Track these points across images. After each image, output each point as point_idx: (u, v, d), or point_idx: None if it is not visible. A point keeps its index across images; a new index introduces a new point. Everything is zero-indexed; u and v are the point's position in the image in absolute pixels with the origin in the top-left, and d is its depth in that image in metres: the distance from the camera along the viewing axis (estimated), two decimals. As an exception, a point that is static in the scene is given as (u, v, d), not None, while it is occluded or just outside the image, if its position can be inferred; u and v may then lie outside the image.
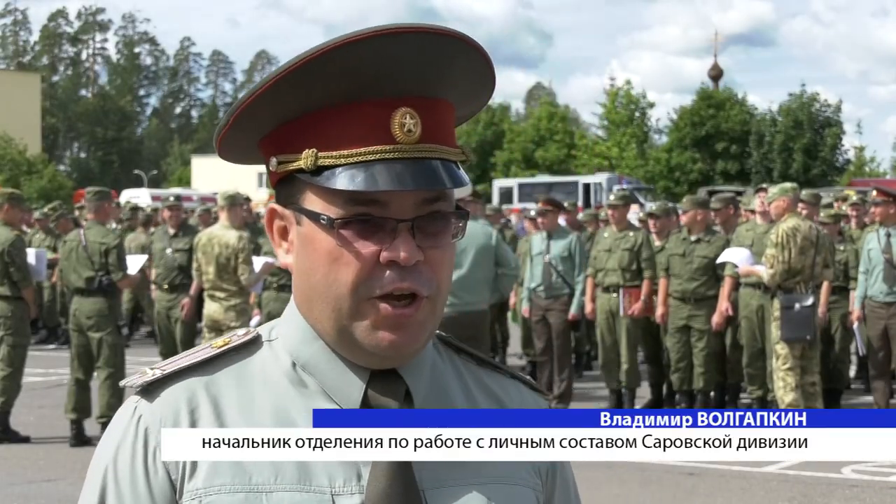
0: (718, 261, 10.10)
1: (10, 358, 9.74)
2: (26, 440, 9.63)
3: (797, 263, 8.90)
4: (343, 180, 1.33)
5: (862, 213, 12.10)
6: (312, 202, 1.36)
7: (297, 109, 1.35)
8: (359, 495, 1.35)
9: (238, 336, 1.45)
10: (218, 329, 9.52)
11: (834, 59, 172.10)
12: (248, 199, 12.72)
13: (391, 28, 1.29)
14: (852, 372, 12.25)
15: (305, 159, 1.34)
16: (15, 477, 8.37)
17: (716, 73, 58.55)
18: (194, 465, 1.35)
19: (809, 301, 8.91)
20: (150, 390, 1.40)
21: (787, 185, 9.41)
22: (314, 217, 1.36)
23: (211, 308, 9.65)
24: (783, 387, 8.93)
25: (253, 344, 1.44)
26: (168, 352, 11.00)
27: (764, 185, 10.68)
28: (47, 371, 13.84)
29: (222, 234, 9.60)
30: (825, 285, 9.82)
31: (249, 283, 9.60)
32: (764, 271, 9.03)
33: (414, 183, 1.32)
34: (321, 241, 1.36)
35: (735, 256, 9.75)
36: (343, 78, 1.32)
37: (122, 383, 1.45)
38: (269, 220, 1.44)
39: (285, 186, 1.40)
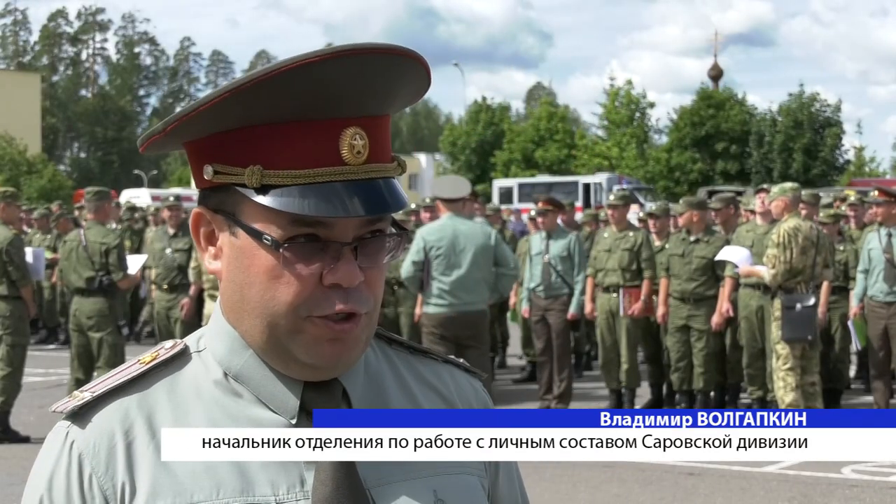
0: (717, 258, 10.10)
1: (9, 357, 9.75)
2: (26, 440, 9.63)
3: (798, 263, 8.91)
4: (290, 202, 1.30)
5: (861, 214, 12.11)
6: (253, 218, 1.34)
7: (239, 123, 1.32)
8: (304, 501, 1.34)
9: (166, 349, 1.42)
10: None
11: (833, 59, 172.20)
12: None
13: (347, 50, 1.27)
14: (852, 372, 12.25)
15: (250, 176, 1.31)
16: (15, 477, 8.37)
17: (716, 73, 58.52)
18: (133, 489, 1.33)
19: (811, 301, 8.92)
20: (81, 415, 1.37)
21: (787, 185, 9.42)
22: (255, 235, 1.33)
23: (211, 307, 9.64)
24: (783, 387, 8.94)
25: (182, 356, 1.42)
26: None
27: (764, 186, 10.68)
28: (47, 371, 13.85)
29: None
30: (825, 285, 9.83)
31: None
32: (765, 272, 9.04)
33: (363, 209, 1.31)
34: (260, 258, 1.34)
35: (734, 255, 9.75)
36: (293, 97, 1.29)
37: (51, 408, 1.42)
38: (195, 224, 1.41)
39: (218, 193, 1.37)
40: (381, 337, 1.52)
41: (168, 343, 1.44)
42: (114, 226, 14.78)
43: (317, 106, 1.30)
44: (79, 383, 9.60)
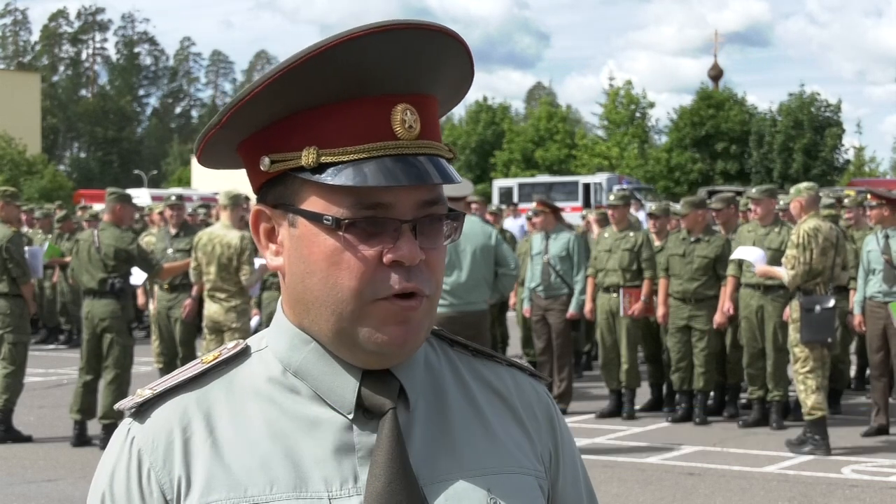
0: (732, 258, 10.04)
1: (11, 356, 9.74)
2: (29, 439, 9.64)
3: (818, 265, 8.84)
4: (347, 177, 1.31)
5: (858, 215, 12.12)
6: (312, 203, 1.35)
7: (293, 107, 1.34)
8: (357, 497, 1.34)
9: (228, 349, 1.44)
10: (219, 330, 9.50)
11: (830, 59, 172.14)
12: (247, 199, 12.70)
13: (390, 24, 1.29)
14: (852, 372, 12.26)
15: (306, 157, 1.32)
16: (15, 477, 8.37)
17: (716, 73, 58.54)
18: (189, 483, 1.34)
19: (830, 303, 8.87)
20: (142, 412, 1.39)
21: (803, 185, 9.37)
22: (315, 218, 1.34)
23: (211, 309, 9.60)
24: (804, 390, 8.90)
25: (242, 355, 1.43)
26: (167, 351, 10.99)
27: (754, 194, 10.54)
28: (47, 371, 13.83)
29: (224, 233, 9.53)
30: (852, 293, 9.88)
31: (250, 284, 9.57)
32: (784, 273, 8.98)
33: (418, 179, 1.32)
34: (321, 243, 1.34)
35: (749, 255, 9.67)
36: (342, 75, 1.31)
37: (116, 406, 1.46)
38: (254, 222, 1.42)
39: (275, 187, 1.38)
40: (443, 338, 1.52)
41: (231, 343, 1.46)
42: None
43: (365, 83, 1.32)
44: (86, 385, 9.56)
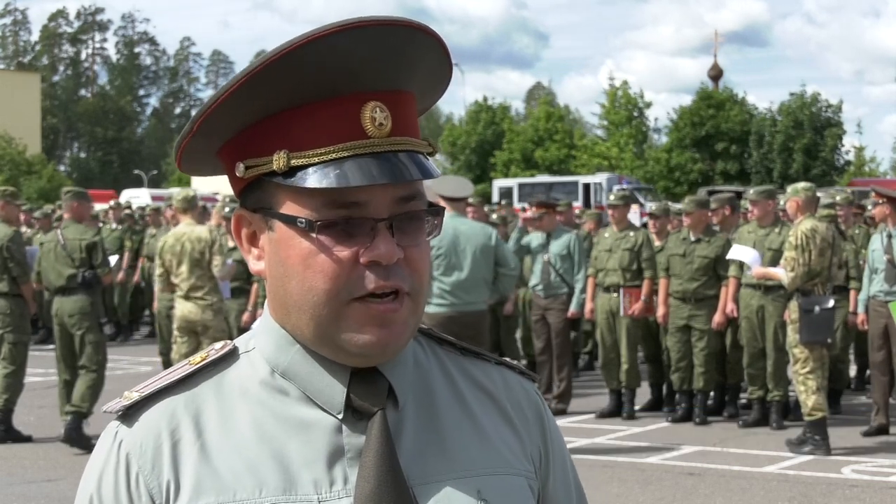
0: (727, 258, 10.04)
1: (12, 355, 9.74)
2: (28, 439, 9.64)
3: (817, 265, 8.83)
4: (318, 179, 1.30)
5: (849, 213, 12.13)
6: (286, 206, 1.34)
7: (263, 111, 1.33)
8: (347, 499, 1.34)
9: (215, 350, 1.43)
10: (193, 331, 9.37)
11: (828, 59, 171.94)
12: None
13: (355, 22, 1.28)
14: (852, 372, 12.25)
15: (277, 161, 1.31)
16: (15, 477, 8.37)
17: (716, 73, 58.52)
18: (178, 487, 1.34)
19: (829, 303, 8.86)
20: (130, 414, 1.38)
21: (801, 185, 9.35)
22: (290, 221, 1.33)
23: (186, 308, 9.41)
24: (804, 391, 8.88)
25: (230, 356, 1.42)
26: (167, 351, 11.00)
27: (752, 196, 10.51)
28: (47, 371, 13.81)
29: (191, 230, 9.45)
30: (853, 293, 9.86)
31: (222, 276, 9.46)
32: (783, 274, 8.96)
33: (391, 176, 1.31)
34: (296, 245, 1.33)
35: (744, 255, 9.66)
36: (310, 75, 1.30)
37: (104, 409, 1.44)
38: (236, 227, 1.42)
39: (253, 191, 1.37)
40: (431, 337, 1.52)
41: (218, 344, 1.45)
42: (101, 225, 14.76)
43: (334, 82, 1.31)
44: (67, 385, 9.57)
